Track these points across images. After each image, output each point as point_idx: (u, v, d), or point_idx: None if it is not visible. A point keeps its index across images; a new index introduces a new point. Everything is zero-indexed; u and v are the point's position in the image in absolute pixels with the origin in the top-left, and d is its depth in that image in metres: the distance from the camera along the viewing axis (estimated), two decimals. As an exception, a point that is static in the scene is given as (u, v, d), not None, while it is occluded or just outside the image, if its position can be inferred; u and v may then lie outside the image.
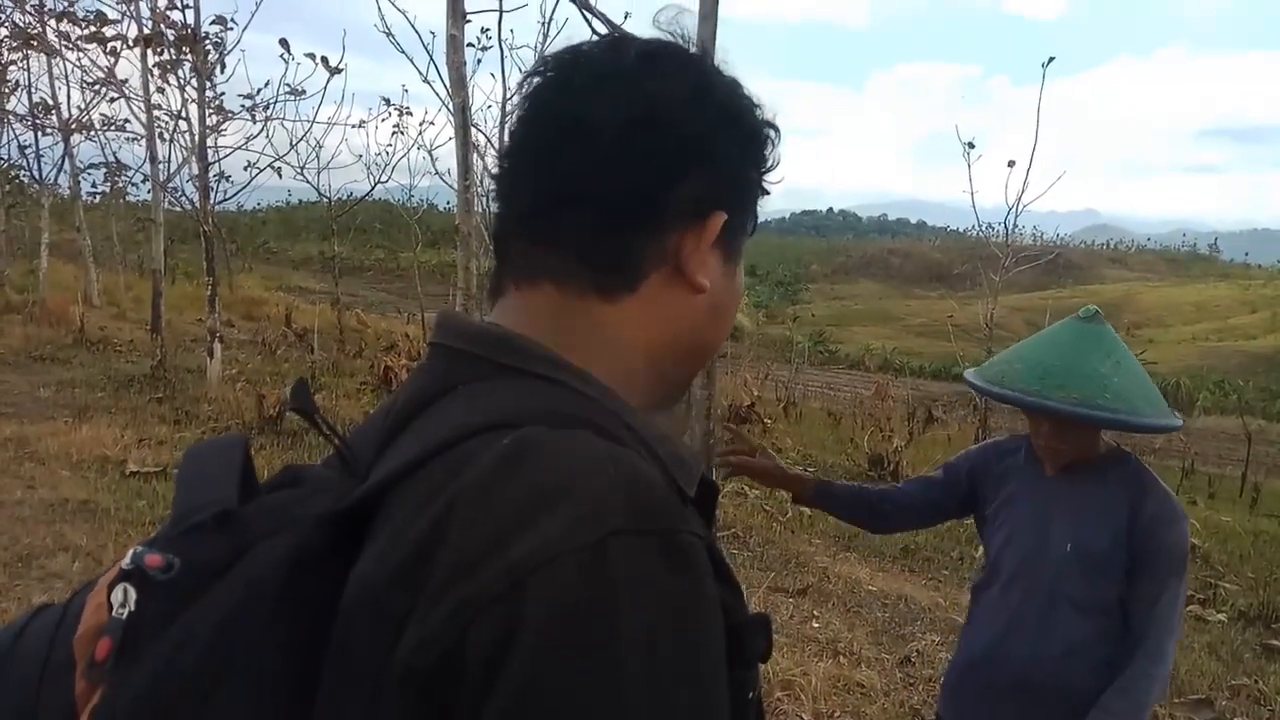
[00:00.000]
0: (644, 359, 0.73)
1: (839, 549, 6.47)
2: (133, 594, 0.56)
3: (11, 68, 14.06)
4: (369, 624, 0.57)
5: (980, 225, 10.35)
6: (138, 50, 10.30)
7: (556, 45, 0.82)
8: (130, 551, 0.58)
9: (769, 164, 0.78)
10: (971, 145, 9.76)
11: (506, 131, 0.77)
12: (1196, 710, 4.20)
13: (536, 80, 0.74)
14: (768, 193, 0.79)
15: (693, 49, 0.76)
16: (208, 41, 9.68)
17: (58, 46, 12.07)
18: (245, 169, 11.29)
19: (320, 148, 12.77)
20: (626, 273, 0.71)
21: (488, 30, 9.60)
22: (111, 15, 10.77)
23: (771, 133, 0.77)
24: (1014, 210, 9.50)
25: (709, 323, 0.77)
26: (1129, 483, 1.89)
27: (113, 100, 12.31)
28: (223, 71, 10.11)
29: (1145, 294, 62.25)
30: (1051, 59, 8.95)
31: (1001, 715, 1.92)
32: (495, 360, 0.68)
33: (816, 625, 4.80)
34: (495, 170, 0.76)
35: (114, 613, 0.56)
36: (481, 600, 0.53)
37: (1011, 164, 9.28)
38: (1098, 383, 1.80)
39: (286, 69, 10.40)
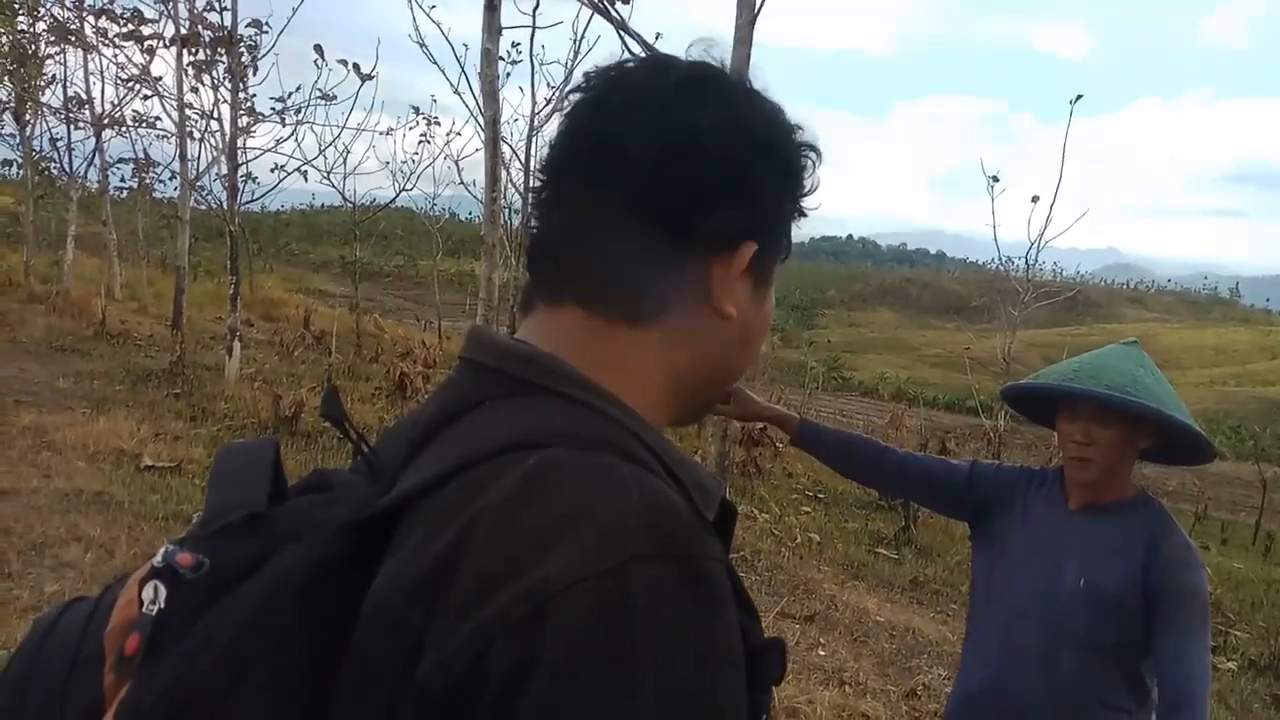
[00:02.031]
0: (668, 383, 0.73)
1: (847, 577, 6.44)
2: (163, 591, 0.58)
3: (49, 62, 14.27)
4: (386, 637, 0.57)
5: (1001, 259, 10.29)
6: (173, 49, 10.43)
7: (587, 63, 0.82)
8: (162, 549, 0.60)
9: (806, 189, 0.77)
10: (995, 179, 9.73)
11: (535, 145, 0.77)
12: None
13: (576, 97, 0.73)
14: (805, 214, 0.79)
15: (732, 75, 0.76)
16: (243, 44, 9.80)
17: (95, 43, 12.22)
18: (273, 171, 11.39)
19: (348, 153, 12.86)
20: (653, 300, 0.71)
21: (519, 45, 9.68)
22: (149, 14, 10.92)
23: (810, 157, 0.77)
24: (1035, 245, 9.45)
25: (736, 348, 0.76)
26: (1149, 524, 1.87)
27: (146, 98, 12.47)
28: (256, 74, 10.23)
29: (1164, 335, 61.88)
30: (1079, 97, 8.90)
31: None
32: (522, 378, 0.68)
33: (823, 653, 4.78)
34: (534, 185, 0.76)
35: (144, 609, 0.57)
36: (501, 624, 0.53)
37: (1035, 199, 9.24)
38: (1129, 376, 1.83)
39: (319, 74, 10.50)
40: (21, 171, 16.37)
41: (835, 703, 4.02)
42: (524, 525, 0.56)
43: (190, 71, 10.35)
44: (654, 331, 0.71)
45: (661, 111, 0.70)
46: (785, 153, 0.75)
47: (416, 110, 14.11)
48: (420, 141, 14.41)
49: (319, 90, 10.67)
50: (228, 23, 9.59)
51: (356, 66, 10.49)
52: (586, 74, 0.74)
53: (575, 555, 0.54)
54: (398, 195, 14.82)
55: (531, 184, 0.80)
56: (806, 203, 0.78)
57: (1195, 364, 54.70)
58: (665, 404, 0.73)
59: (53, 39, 13.18)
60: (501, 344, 0.71)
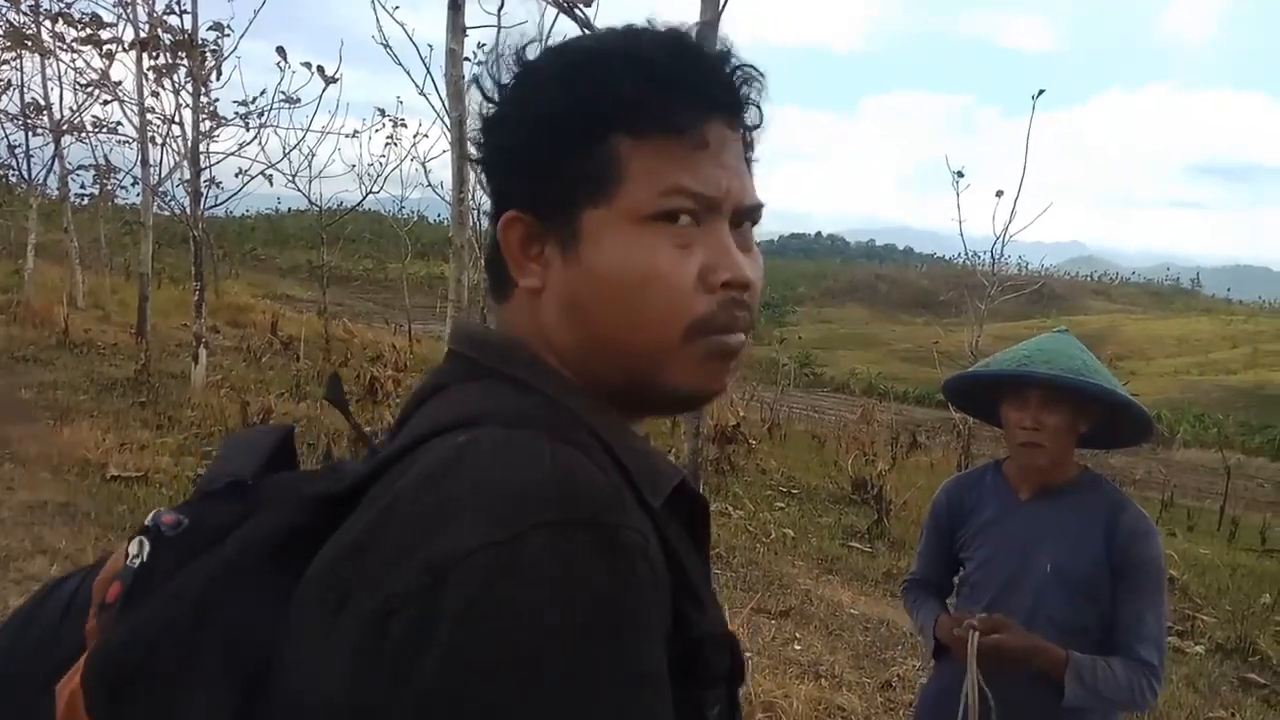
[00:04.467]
0: (564, 363, 0.71)
1: (821, 571, 6.47)
2: (146, 547, 0.62)
3: (4, 67, 14.01)
4: (321, 589, 0.59)
5: (967, 253, 10.43)
6: (133, 54, 10.30)
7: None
8: (152, 512, 0.65)
9: (588, 123, 0.68)
10: (961, 174, 9.83)
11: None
12: (1174, 741, 4.22)
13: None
14: (676, 129, 0.67)
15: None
16: (205, 48, 9.68)
17: (52, 48, 12.04)
18: (237, 175, 11.27)
19: (313, 156, 12.76)
20: (501, 281, 0.74)
21: (485, 45, 9.64)
22: (108, 18, 10.77)
23: (597, 80, 0.68)
24: (1001, 239, 9.58)
25: (579, 320, 0.69)
26: (1103, 502, 1.93)
27: (106, 102, 12.26)
28: (219, 78, 10.11)
29: (1128, 326, 62.80)
30: (1042, 91, 9.01)
31: None
32: (480, 362, 0.71)
33: (798, 647, 4.80)
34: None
35: (128, 561, 0.62)
36: (404, 594, 0.54)
37: (1000, 194, 9.36)
38: (1078, 360, 1.88)
39: (282, 77, 10.40)
40: (-21, 180, 16.07)
41: (811, 696, 4.04)
42: (435, 499, 0.57)
43: (151, 76, 10.23)
44: (510, 310, 0.73)
45: (505, 90, 0.72)
46: (542, 103, 0.69)
47: (382, 112, 14.02)
48: (387, 144, 14.32)
49: (282, 93, 10.57)
50: (188, 26, 9.48)
51: (320, 69, 10.40)
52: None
53: (477, 524, 0.54)
54: (365, 198, 14.70)
55: None
56: (667, 112, 0.68)
57: (1159, 354, 55.54)
58: (585, 375, 0.71)
59: (8, 44, 12.94)
60: (474, 333, 0.74)
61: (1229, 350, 54.71)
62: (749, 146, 0.76)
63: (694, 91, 0.69)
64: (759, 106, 0.75)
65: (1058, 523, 1.93)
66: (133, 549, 0.63)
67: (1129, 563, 1.86)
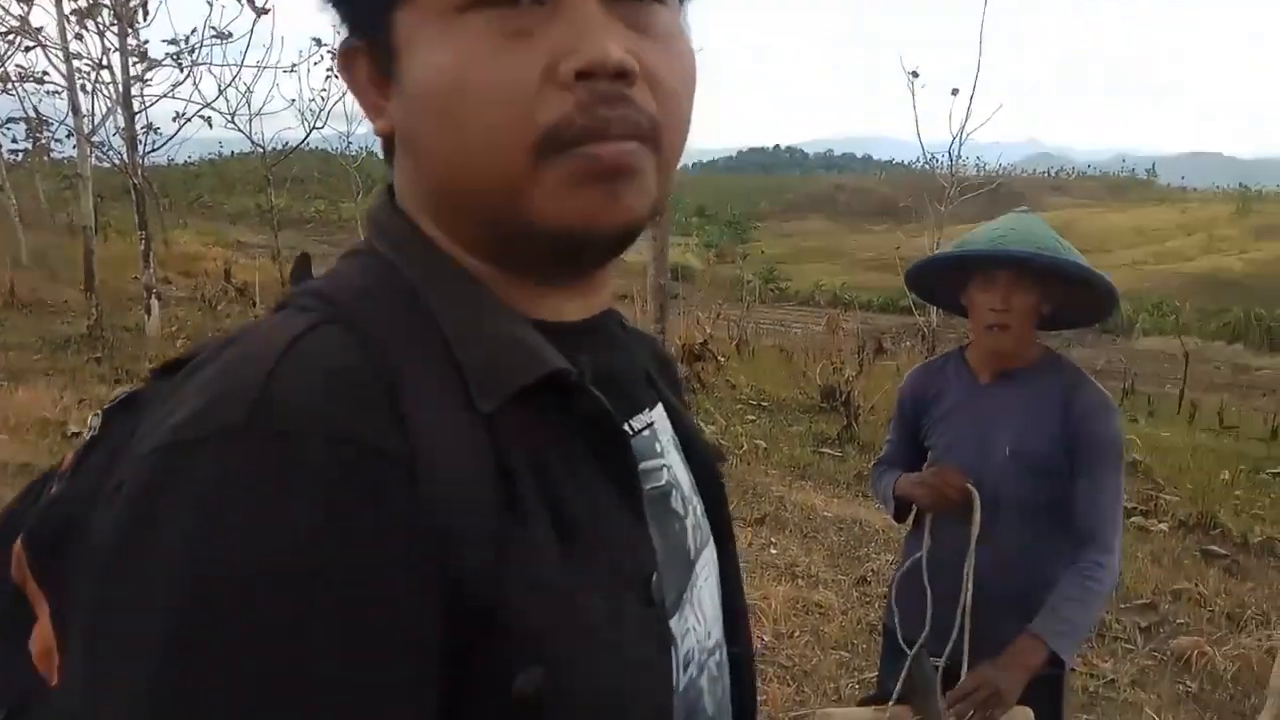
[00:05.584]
0: (434, 222, 0.60)
1: (794, 478, 6.56)
2: (98, 420, 0.60)
3: (-84, 19, 13.33)
4: None
5: (925, 157, 10.37)
6: (51, -4, 9.81)
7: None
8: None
9: None
10: (915, 74, 9.74)
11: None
12: (1142, 614, 4.36)
13: None
14: None
15: None
16: (126, -15, 9.25)
17: (-36, -5, 11.45)
18: (174, 119, 10.90)
19: (250, 94, 12.37)
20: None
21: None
22: (20, -41, 10.22)
23: None
24: (958, 139, 9.54)
25: (416, 157, 0.58)
26: (1061, 380, 1.92)
27: (29, 50, 11.74)
28: (145, 17, 9.70)
29: (1086, 220, 63.42)
30: (992, -17, 8.88)
31: (950, 621, 1.91)
32: (370, 238, 0.63)
33: (774, 551, 4.88)
34: None
35: (85, 434, 0.60)
36: (110, 486, 0.50)
37: (955, 91, 9.29)
38: (1051, 239, 1.86)
39: (210, 11, 9.98)
40: (-97, 141, 15.43)
41: (789, 596, 4.12)
42: (184, 390, 0.52)
43: (73, 19, 9.77)
44: (395, 169, 0.63)
45: None
46: None
47: (319, 42, 13.55)
48: (327, 76, 13.91)
49: (213, 28, 10.18)
50: (106, -38, 9.05)
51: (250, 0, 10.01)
52: None
53: (176, 421, 0.48)
54: (309, 135, 14.35)
55: None
56: None
57: (1117, 246, 56.28)
58: (454, 231, 0.59)
59: (-83, -6, 12.30)
60: (370, 208, 0.66)
61: (1185, 238, 55.53)
62: None
63: None
64: None
65: (1015, 404, 1.93)
66: (90, 421, 0.61)
67: (1084, 438, 1.85)
